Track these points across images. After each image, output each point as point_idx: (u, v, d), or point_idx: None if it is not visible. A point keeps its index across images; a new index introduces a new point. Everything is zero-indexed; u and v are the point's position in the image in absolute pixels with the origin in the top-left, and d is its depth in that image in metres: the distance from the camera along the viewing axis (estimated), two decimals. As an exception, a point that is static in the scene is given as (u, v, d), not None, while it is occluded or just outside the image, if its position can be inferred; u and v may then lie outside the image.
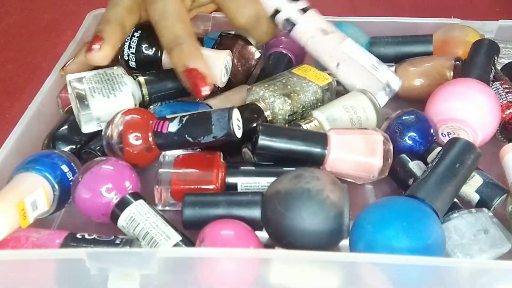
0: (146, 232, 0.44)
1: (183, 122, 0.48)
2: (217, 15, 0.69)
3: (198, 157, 0.50)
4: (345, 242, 0.44)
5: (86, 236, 0.43)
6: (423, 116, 0.53)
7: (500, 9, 0.81)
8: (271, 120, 0.54)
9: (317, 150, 0.48)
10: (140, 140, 0.48)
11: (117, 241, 0.42)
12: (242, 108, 0.54)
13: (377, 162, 0.47)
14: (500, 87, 0.58)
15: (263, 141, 0.48)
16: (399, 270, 0.40)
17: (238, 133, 0.48)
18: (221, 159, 0.50)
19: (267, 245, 0.44)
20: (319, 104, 0.56)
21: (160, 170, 0.49)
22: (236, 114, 0.48)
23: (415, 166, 0.50)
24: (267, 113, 0.54)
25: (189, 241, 0.45)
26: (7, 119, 0.63)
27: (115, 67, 0.53)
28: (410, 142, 0.52)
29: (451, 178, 0.45)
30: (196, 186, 0.48)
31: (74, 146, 0.53)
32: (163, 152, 0.50)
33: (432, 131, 0.52)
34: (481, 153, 0.48)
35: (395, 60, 0.63)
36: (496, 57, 0.61)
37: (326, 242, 0.42)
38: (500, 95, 0.57)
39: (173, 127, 0.48)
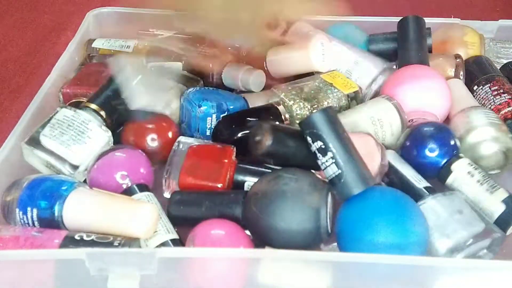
0: None
1: None
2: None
3: (211, 152, 0.49)
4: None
5: (85, 237, 0.43)
6: (445, 127, 0.51)
7: (500, 9, 0.81)
8: (288, 123, 0.53)
9: None
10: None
11: (116, 243, 0.42)
12: (260, 109, 0.53)
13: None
14: (489, 90, 0.57)
15: (270, 143, 0.46)
16: (379, 267, 0.40)
17: None
18: (233, 157, 0.49)
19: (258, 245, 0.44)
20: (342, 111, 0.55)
21: (172, 161, 0.49)
22: None
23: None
24: (285, 116, 0.53)
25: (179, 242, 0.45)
26: (7, 119, 0.63)
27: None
28: (430, 154, 0.49)
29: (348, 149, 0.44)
30: (203, 183, 0.48)
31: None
32: (178, 139, 0.51)
33: (453, 142, 0.50)
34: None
35: (395, 55, 0.62)
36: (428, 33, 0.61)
37: (302, 243, 0.42)
38: (489, 99, 0.57)
39: None
